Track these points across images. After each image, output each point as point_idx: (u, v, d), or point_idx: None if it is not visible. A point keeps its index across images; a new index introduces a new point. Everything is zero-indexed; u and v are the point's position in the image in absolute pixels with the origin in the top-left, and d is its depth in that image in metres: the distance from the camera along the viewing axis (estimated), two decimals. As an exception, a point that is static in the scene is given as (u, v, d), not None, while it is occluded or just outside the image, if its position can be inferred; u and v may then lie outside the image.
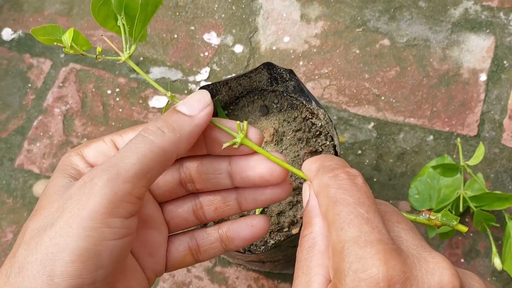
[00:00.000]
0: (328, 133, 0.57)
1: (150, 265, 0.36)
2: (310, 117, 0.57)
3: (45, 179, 0.73)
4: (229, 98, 0.58)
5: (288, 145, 0.57)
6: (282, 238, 0.54)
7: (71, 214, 0.29)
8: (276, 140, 0.57)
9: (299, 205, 0.55)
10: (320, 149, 0.57)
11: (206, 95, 0.34)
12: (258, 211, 0.55)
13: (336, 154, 0.56)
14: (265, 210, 0.55)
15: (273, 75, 0.56)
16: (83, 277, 0.29)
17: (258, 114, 0.59)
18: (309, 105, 0.57)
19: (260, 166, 0.35)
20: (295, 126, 0.57)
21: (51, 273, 0.28)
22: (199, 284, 0.66)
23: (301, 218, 0.54)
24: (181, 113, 0.33)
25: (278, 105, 0.58)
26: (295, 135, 0.57)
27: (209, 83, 0.56)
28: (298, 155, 0.56)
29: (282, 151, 0.57)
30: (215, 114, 0.60)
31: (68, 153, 0.35)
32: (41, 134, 0.76)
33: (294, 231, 0.54)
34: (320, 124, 0.57)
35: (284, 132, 0.57)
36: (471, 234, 0.64)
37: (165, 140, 0.32)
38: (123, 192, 0.30)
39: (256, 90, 0.59)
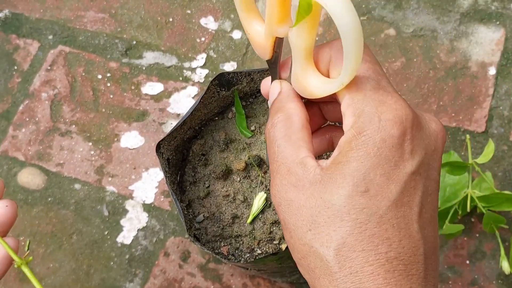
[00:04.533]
0: None
1: None
2: None
3: (31, 167, 0.69)
4: (250, 90, 0.55)
5: None
6: (271, 251, 0.50)
7: None
8: None
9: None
10: None
11: None
12: (252, 215, 0.52)
13: None
14: (260, 217, 0.52)
15: None
16: None
17: None
18: None
19: None
20: None
21: None
22: (192, 281, 0.63)
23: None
24: None
25: None
26: None
27: (230, 71, 0.53)
28: None
29: None
30: (232, 103, 0.57)
31: None
32: (27, 119, 0.72)
33: (283, 246, 0.51)
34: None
35: None
36: (477, 235, 0.62)
37: None
38: None
39: None
